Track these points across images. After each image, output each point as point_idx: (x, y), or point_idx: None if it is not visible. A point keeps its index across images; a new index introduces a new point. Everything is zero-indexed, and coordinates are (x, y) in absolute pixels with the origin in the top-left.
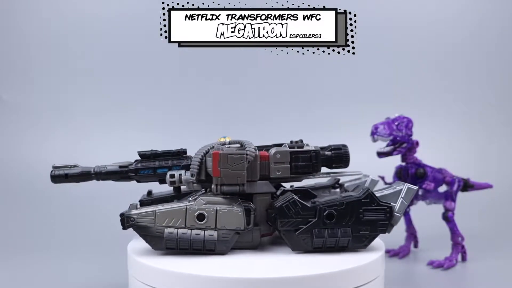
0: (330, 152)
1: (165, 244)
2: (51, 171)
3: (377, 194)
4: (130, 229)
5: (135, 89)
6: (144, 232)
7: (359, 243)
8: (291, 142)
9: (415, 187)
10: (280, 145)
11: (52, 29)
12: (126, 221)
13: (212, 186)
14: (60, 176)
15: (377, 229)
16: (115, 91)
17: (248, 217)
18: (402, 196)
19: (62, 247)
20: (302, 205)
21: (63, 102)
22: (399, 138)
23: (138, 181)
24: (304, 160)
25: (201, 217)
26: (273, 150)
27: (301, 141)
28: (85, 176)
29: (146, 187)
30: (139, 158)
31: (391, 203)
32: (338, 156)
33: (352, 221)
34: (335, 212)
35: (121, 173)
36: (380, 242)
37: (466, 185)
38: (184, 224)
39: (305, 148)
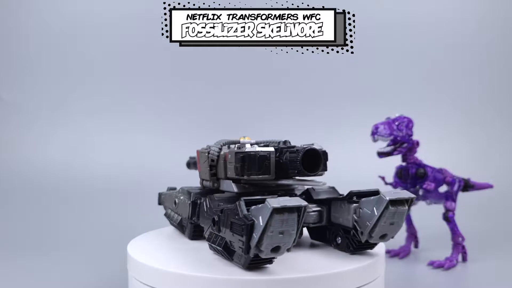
0: (285, 156)
1: (169, 221)
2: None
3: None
4: (130, 229)
5: (136, 89)
6: (165, 209)
7: (238, 259)
8: (279, 143)
9: (269, 206)
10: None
11: (52, 28)
12: (158, 197)
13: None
14: (188, 164)
15: (237, 247)
16: (115, 91)
17: (193, 209)
18: (261, 214)
19: (62, 246)
20: (208, 206)
21: (63, 102)
22: (399, 138)
23: None
24: (238, 161)
25: (175, 203)
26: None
27: (288, 142)
28: (194, 165)
29: (143, 186)
30: None
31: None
32: (291, 161)
33: (225, 232)
34: (217, 219)
35: None
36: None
37: (467, 185)
38: (172, 207)
39: (244, 149)
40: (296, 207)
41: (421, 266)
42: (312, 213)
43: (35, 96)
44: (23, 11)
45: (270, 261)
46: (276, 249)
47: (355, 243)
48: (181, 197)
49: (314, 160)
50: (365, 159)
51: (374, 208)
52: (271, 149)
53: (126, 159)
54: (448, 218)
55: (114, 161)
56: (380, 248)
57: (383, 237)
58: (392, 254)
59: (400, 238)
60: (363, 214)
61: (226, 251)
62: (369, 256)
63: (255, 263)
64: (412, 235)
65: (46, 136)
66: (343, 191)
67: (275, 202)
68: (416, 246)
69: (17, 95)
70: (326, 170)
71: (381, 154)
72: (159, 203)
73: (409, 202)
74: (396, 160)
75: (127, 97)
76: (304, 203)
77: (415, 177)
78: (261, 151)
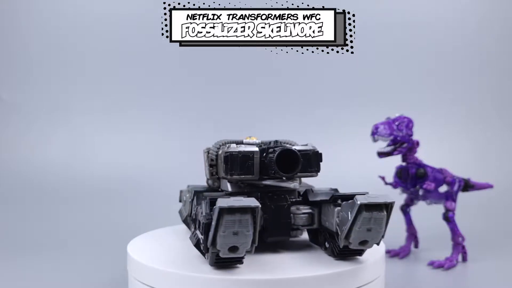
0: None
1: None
2: None
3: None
4: (130, 229)
5: (135, 89)
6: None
7: (207, 257)
8: (269, 143)
9: (216, 206)
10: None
11: (52, 28)
12: (180, 195)
13: None
14: None
15: (202, 245)
16: (115, 91)
17: (191, 207)
18: (214, 214)
19: (61, 246)
20: (194, 204)
21: (63, 102)
22: (399, 138)
23: None
24: (223, 161)
25: (183, 200)
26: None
27: (279, 142)
28: None
29: (143, 186)
30: None
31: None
32: (269, 161)
33: (197, 230)
34: (194, 217)
35: None
36: (380, 242)
37: (467, 185)
38: (183, 204)
39: (225, 149)
40: (246, 207)
41: (421, 266)
42: (302, 215)
43: (35, 96)
44: (23, 11)
45: (239, 261)
46: (233, 249)
47: (338, 248)
48: (187, 195)
49: (291, 161)
50: (365, 159)
51: (349, 212)
52: (255, 148)
53: (126, 159)
54: (448, 218)
55: (114, 161)
56: (380, 248)
57: (363, 243)
58: (392, 254)
59: (400, 238)
60: (342, 218)
61: (198, 249)
62: (369, 256)
63: (222, 263)
64: (412, 235)
65: (46, 136)
66: (343, 191)
67: (223, 202)
68: (416, 246)
69: (17, 95)
70: (318, 171)
71: (381, 154)
72: (180, 200)
73: (388, 207)
74: (396, 160)
75: (127, 97)
76: (254, 204)
77: (415, 177)
78: (243, 151)
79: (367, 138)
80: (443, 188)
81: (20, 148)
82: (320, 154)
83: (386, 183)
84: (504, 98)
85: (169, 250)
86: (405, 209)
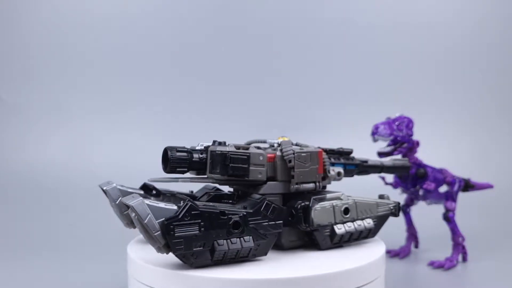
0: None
1: None
2: None
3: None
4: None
5: (135, 89)
6: None
7: None
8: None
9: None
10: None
11: (52, 29)
12: None
13: None
14: None
15: None
16: (116, 91)
17: None
18: None
19: (62, 247)
20: None
21: (63, 102)
22: (399, 138)
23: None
24: None
25: None
26: None
27: (222, 143)
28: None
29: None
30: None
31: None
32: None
33: None
34: None
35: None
36: (380, 242)
37: (467, 185)
38: None
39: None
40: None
41: (421, 266)
42: None
43: (35, 96)
44: (23, 11)
45: None
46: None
47: None
48: None
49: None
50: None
51: None
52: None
53: (127, 159)
54: (448, 218)
55: (115, 161)
56: (380, 248)
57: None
58: (392, 254)
59: (400, 238)
60: None
61: None
62: (369, 256)
63: None
64: (412, 235)
65: (46, 136)
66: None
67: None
68: (416, 246)
69: (17, 96)
70: (238, 174)
71: (382, 154)
72: None
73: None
74: None
75: (128, 97)
76: (105, 187)
77: (415, 177)
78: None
79: (367, 138)
80: (443, 188)
81: (20, 148)
82: (230, 157)
83: (386, 183)
84: (504, 98)
85: None
86: (405, 209)
